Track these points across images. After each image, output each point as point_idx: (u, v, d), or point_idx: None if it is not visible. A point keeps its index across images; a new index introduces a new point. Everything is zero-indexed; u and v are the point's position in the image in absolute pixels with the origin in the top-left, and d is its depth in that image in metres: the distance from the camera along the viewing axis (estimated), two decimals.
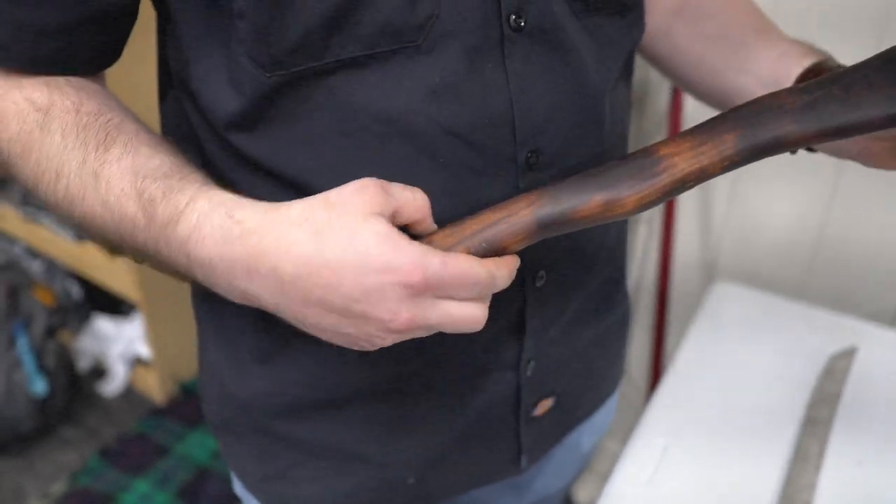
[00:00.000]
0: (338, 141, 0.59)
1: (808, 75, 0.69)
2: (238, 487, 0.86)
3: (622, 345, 0.91)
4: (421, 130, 0.58)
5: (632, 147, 0.73)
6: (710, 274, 1.39)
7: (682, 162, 0.52)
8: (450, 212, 0.61)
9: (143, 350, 2.10)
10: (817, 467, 0.89)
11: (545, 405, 0.78)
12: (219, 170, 0.63)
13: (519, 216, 0.52)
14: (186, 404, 2.09)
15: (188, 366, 2.10)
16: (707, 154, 0.52)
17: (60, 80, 0.57)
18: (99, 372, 2.19)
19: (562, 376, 0.78)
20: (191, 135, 0.64)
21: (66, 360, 2.08)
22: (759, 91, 0.68)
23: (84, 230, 0.57)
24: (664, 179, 0.52)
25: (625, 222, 0.85)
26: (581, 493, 1.63)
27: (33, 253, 2.17)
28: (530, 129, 0.62)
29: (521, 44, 0.60)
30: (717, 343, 1.12)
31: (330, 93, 0.57)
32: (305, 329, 0.52)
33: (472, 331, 0.51)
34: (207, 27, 0.56)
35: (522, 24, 0.59)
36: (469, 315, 0.51)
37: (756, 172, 1.27)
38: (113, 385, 2.14)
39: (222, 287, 0.52)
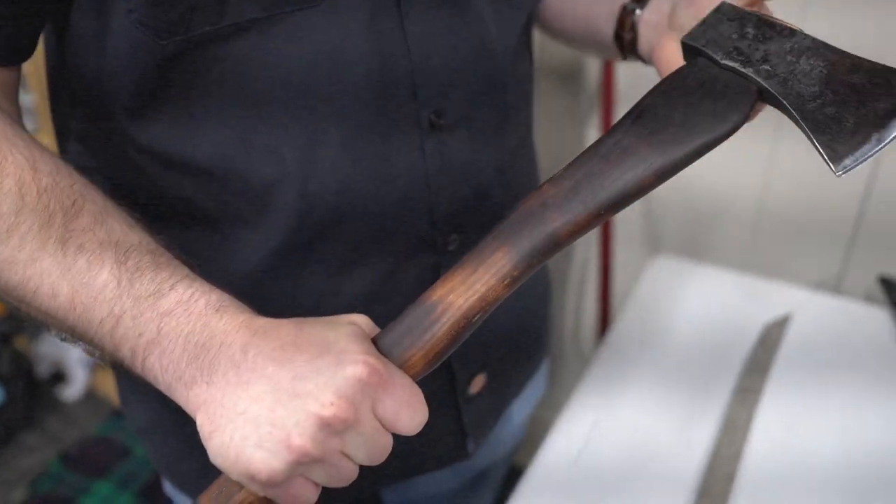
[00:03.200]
0: (241, 113, 0.58)
1: (623, 12, 0.69)
2: (168, 487, 0.84)
3: (545, 320, 0.91)
4: (323, 94, 0.58)
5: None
6: (654, 248, 1.39)
7: (459, 299, 0.48)
8: (355, 175, 0.61)
9: None
10: (744, 436, 0.89)
11: (479, 382, 0.78)
12: (129, 181, 0.61)
13: None
14: None
15: None
16: (483, 281, 0.49)
17: (6, 127, 0.52)
18: (59, 376, 2.17)
19: (490, 351, 0.78)
20: (101, 154, 0.62)
21: (23, 367, 2.05)
22: (608, 26, 0.70)
23: (12, 295, 0.50)
24: (445, 325, 0.48)
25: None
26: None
27: None
28: (431, 89, 0.62)
29: (419, 3, 0.59)
30: (653, 317, 1.12)
31: (229, 60, 0.55)
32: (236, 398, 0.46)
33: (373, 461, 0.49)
34: (99, 9, 0.54)
35: None
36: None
37: None
38: (73, 389, 2.12)
39: (176, 355, 0.47)
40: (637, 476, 0.86)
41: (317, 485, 0.47)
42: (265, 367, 0.45)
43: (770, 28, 0.55)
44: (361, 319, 0.50)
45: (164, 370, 0.47)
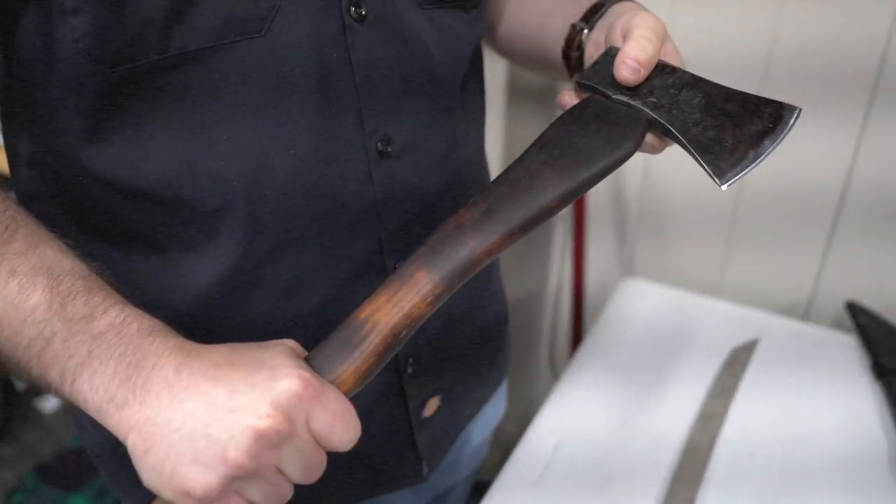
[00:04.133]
0: (187, 140, 0.58)
1: (572, 31, 0.72)
2: None
3: (502, 342, 0.91)
4: (269, 121, 0.59)
5: None
6: (628, 272, 1.40)
7: (385, 316, 0.51)
8: (303, 202, 0.62)
9: None
10: (705, 462, 0.90)
11: (433, 405, 0.78)
12: (79, 207, 0.62)
13: None
14: None
15: None
16: (407, 299, 0.51)
17: None
18: (37, 388, 2.16)
19: (443, 375, 0.79)
20: (54, 184, 0.63)
21: (2, 377, 2.05)
22: (558, 45, 0.72)
23: None
24: (374, 340, 0.51)
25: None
26: None
27: None
28: (378, 116, 0.63)
29: (363, 33, 0.61)
30: (622, 338, 1.13)
31: (175, 89, 0.56)
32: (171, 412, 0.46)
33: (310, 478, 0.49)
34: (44, 36, 0.55)
35: (363, 13, 0.60)
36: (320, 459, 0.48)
37: (664, 168, 1.28)
38: (52, 401, 2.11)
39: (107, 375, 0.47)
40: (599, 493, 0.87)
41: None
42: (199, 385, 0.46)
43: (654, 67, 0.61)
44: (291, 342, 0.51)
45: (94, 391, 0.46)
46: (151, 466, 0.45)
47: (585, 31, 0.69)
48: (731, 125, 0.57)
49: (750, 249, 1.28)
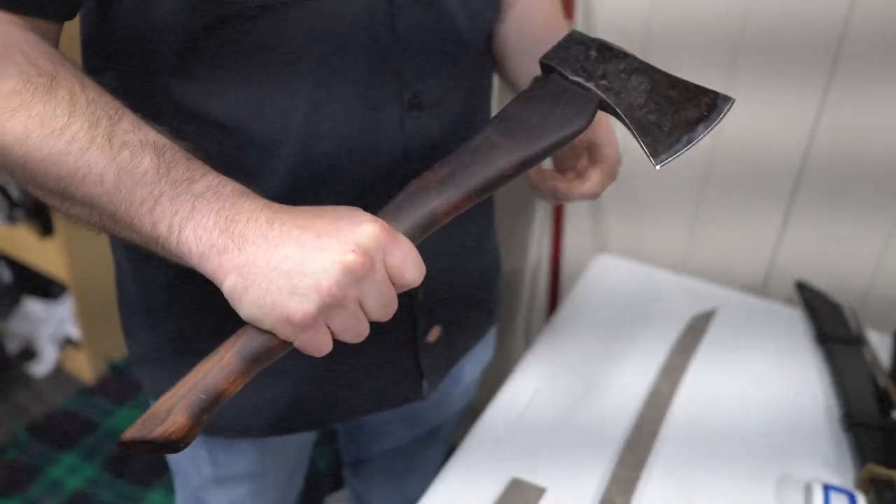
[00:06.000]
0: (258, 78, 0.69)
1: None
2: None
3: (495, 291, 1.03)
4: (326, 68, 0.70)
5: None
6: (602, 249, 1.52)
7: None
8: (349, 140, 0.73)
9: (73, 331, 2.16)
10: (667, 404, 1.02)
11: (435, 333, 0.89)
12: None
13: (225, 360, 0.57)
14: (116, 383, 2.15)
15: (118, 345, 2.16)
16: None
17: (57, 54, 0.62)
18: (29, 353, 2.23)
19: (446, 307, 0.90)
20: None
21: None
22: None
23: (58, 187, 0.58)
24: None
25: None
26: None
27: None
28: (413, 74, 0.75)
29: (406, 4, 0.72)
30: (593, 306, 1.24)
31: (252, 35, 0.67)
32: (260, 262, 0.55)
33: (383, 316, 0.57)
34: None
35: None
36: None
37: (636, 155, 1.39)
38: (43, 365, 2.18)
39: (209, 227, 0.55)
40: (571, 433, 0.98)
41: (333, 335, 0.56)
42: (290, 233, 0.55)
43: (609, 51, 0.69)
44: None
45: (198, 240, 0.55)
46: (253, 301, 0.55)
47: None
48: (672, 110, 0.65)
49: (713, 230, 1.40)
